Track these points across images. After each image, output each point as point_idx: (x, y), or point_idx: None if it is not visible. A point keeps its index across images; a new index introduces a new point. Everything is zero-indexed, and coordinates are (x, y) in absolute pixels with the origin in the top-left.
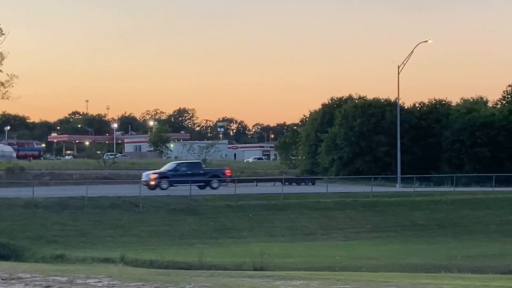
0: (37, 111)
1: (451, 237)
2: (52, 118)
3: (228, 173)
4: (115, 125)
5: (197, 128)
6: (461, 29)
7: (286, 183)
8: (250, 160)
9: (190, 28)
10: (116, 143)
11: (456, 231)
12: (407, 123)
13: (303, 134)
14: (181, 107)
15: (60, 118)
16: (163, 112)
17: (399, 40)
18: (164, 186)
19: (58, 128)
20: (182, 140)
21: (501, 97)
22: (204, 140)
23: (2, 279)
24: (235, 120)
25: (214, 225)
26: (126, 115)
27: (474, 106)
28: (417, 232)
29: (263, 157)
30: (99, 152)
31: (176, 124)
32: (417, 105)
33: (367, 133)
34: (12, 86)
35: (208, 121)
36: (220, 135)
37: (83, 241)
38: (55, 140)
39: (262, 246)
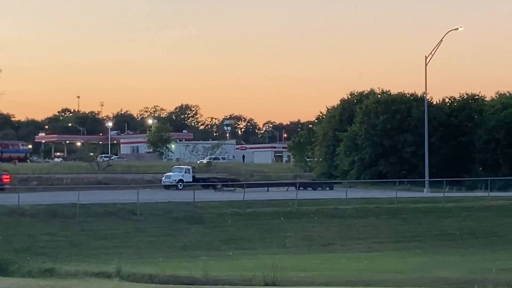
0: (23, 109)
1: (485, 247)
2: (39, 116)
3: (6, 179)
4: (109, 124)
5: (201, 127)
6: (495, 15)
7: (300, 188)
8: (204, 161)
9: (208, 17)
10: (111, 144)
11: (490, 241)
12: (436, 121)
13: (320, 133)
14: (183, 104)
15: (49, 116)
16: (163, 109)
17: (426, 27)
18: None
19: (47, 127)
20: (185, 140)
21: None
22: (209, 140)
23: None
24: (243, 118)
25: (220, 235)
26: (122, 112)
27: (510, 101)
28: (448, 242)
29: (220, 157)
30: (92, 154)
31: (178, 123)
32: (447, 100)
33: (391, 132)
34: None
35: (213, 119)
36: (227, 135)
37: (75, 253)
38: (43, 141)
39: (274, 258)
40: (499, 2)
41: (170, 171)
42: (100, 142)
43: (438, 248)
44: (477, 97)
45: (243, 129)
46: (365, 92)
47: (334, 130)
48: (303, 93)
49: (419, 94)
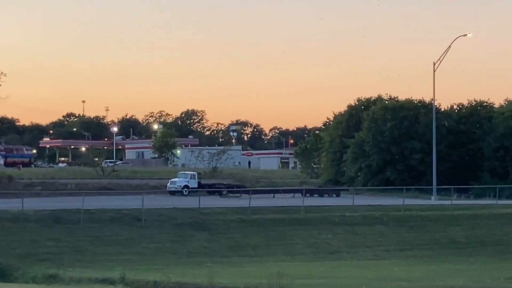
0: (27, 113)
1: (493, 256)
2: (44, 121)
3: None
4: (115, 129)
5: (207, 133)
6: (504, 21)
7: (307, 195)
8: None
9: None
10: (116, 149)
11: (499, 249)
12: (444, 128)
13: (327, 139)
14: (189, 109)
15: (53, 121)
16: (169, 115)
17: (434, 34)
18: None
19: (51, 132)
20: (190, 146)
21: None
22: (215, 146)
23: None
24: (249, 124)
25: (226, 241)
26: (127, 117)
27: None
28: (455, 250)
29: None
30: (96, 159)
31: (184, 128)
32: (455, 107)
33: (399, 139)
34: (0, 85)
35: (219, 125)
36: (233, 140)
37: (79, 259)
38: (48, 146)
39: (280, 266)
40: (508, 8)
41: (176, 177)
42: (105, 147)
43: (445, 257)
44: (485, 104)
45: (249, 135)
46: (373, 99)
47: (341, 137)
48: (309, 99)
49: (427, 101)
